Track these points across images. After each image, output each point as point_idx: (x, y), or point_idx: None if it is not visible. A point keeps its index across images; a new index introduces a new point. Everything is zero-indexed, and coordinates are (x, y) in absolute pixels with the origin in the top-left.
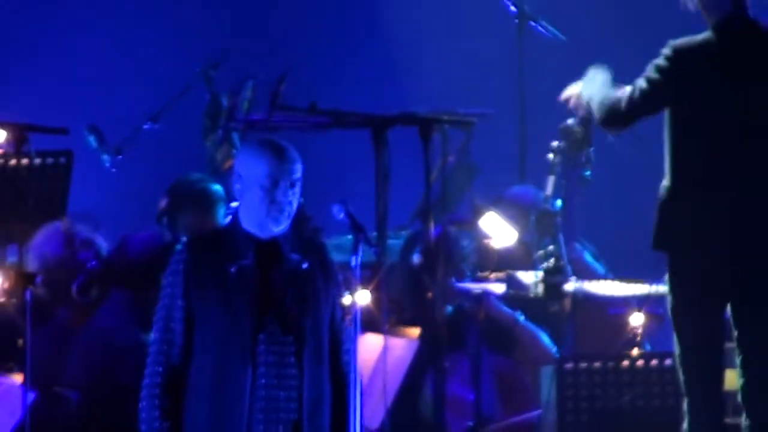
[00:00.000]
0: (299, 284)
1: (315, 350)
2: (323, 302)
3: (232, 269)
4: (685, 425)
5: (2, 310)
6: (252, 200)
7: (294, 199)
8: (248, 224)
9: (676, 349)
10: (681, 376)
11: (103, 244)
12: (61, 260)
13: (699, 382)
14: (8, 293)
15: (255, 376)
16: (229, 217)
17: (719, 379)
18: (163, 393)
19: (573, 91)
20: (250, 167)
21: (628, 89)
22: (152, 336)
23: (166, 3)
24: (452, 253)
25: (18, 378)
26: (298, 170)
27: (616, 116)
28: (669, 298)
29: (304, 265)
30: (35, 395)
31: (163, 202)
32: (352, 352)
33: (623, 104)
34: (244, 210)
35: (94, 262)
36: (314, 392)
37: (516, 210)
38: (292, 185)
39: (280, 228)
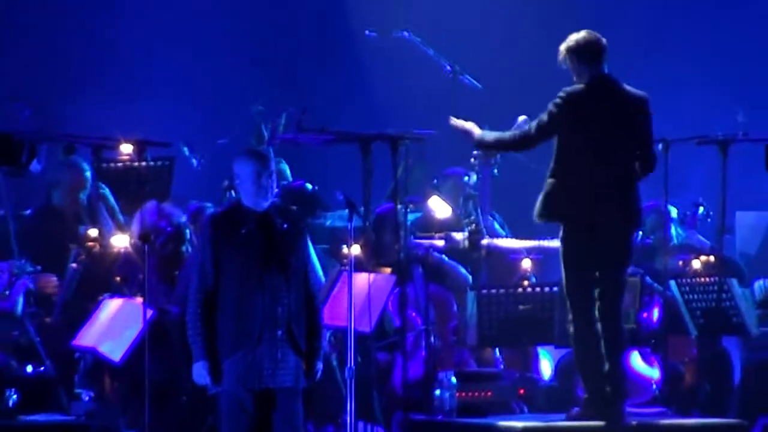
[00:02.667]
0: (282, 237)
1: (296, 279)
2: (298, 247)
3: (243, 230)
4: (571, 329)
5: (131, 256)
6: (247, 188)
7: (271, 183)
8: (247, 202)
9: (565, 283)
10: (569, 300)
11: (182, 216)
12: (152, 226)
13: (581, 303)
14: (135, 246)
15: (263, 297)
16: (233, 200)
17: (592, 302)
18: (202, 309)
19: (463, 124)
20: (244, 167)
21: (532, 124)
22: (193, 274)
23: (235, 62)
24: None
25: (139, 300)
26: (272, 166)
27: (525, 142)
28: (561, 251)
29: (284, 226)
30: (153, 312)
31: (225, 183)
32: (317, 283)
33: (532, 132)
34: (243, 194)
35: (170, 228)
36: (296, 307)
37: (452, 180)
38: (270, 176)
39: (266, 203)
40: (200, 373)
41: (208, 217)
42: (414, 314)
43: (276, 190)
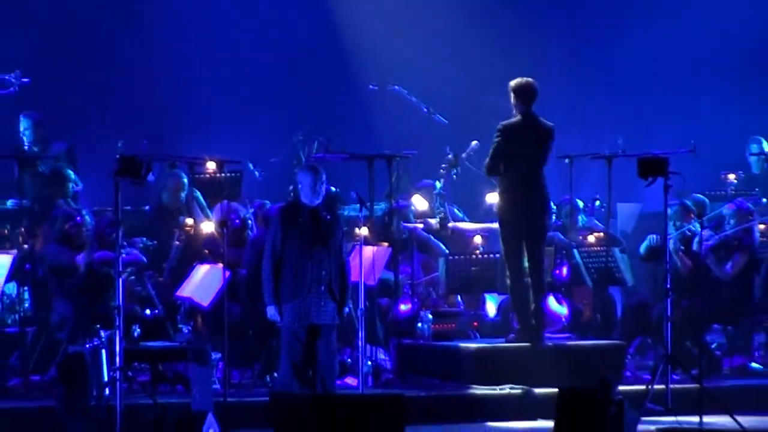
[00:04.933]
0: (327, 225)
1: (334, 252)
2: (336, 233)
3: (300, 219)
4: (508, 281)
5: (214, 237)
6: (305, 191)
7: (322, 189)
8: (305, 200)
9: (504, 251)
10: (506, 262)
11: (247, 212)
12: (223, 218)
13: (515, 264)
14: (218, 230)
15: (312, 264)
16: (294, 198)
17: (523, 263)
18: (272, 269)
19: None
20: (306, 177)
21: (489, 157)
22: (267, 247)
23: (281, 105)
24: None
25: (220, 265)
26: (323, 178)
27: (492, 169)
28: (501, 231)
29: (328, 217)
30: (229, 273)
31: (291, 188)
32: (346, 255)
33: (490, 164)
34: (302, 195)
35: (237, 221)
36: (334, 271)
37: (425, 190)
38: (321, 184)
39: (317, 202)
40: (272, 312)
41: (278, 209)
42: (406, 274)
43: (323, 195)
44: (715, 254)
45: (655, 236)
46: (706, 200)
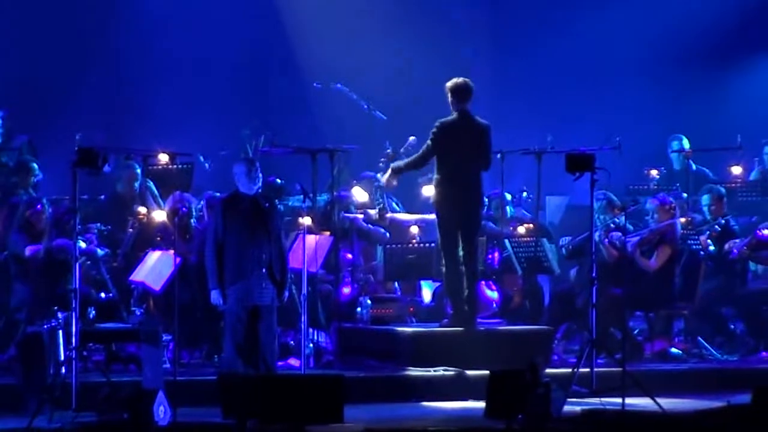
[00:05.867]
0: (265, 212)
1: (273, 238)
2: (274, 219)
3: (241, 207)
4: (443, 269)
5: (165, 225)
6: (242, 180)
7: (258, 178)
8: (243, 189)
9: (440, 240)
10: (442, 251)
11: (197, 202)
12: (173, 208)
13: (450, 253)
14: (170, 218)
15: (253, 248)
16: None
17: (457, 252)
18: (215, 255)
19: (388, 173)
20: (240, 168)
21: (421, 150)
22: (209, 233)
23: (230, 100)
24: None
25: (171, 252)
26: (257, 167)
27: (417, 164)
28: (436, 219)
29: (266, 205)
30: (180, 259)
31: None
32: (287, 242)
33: (418, 159)
34: (241, 185)
35: (184, 209)
36: (273, 254)
37: (367, 180)
38: (256, 171)
39: (255, 188)
40: (215, 296)
41: (220, 198)
42: (346, 261)
43: (259, 183)
44: (639, 249)
45: (568, 238)
46: (614, 196)
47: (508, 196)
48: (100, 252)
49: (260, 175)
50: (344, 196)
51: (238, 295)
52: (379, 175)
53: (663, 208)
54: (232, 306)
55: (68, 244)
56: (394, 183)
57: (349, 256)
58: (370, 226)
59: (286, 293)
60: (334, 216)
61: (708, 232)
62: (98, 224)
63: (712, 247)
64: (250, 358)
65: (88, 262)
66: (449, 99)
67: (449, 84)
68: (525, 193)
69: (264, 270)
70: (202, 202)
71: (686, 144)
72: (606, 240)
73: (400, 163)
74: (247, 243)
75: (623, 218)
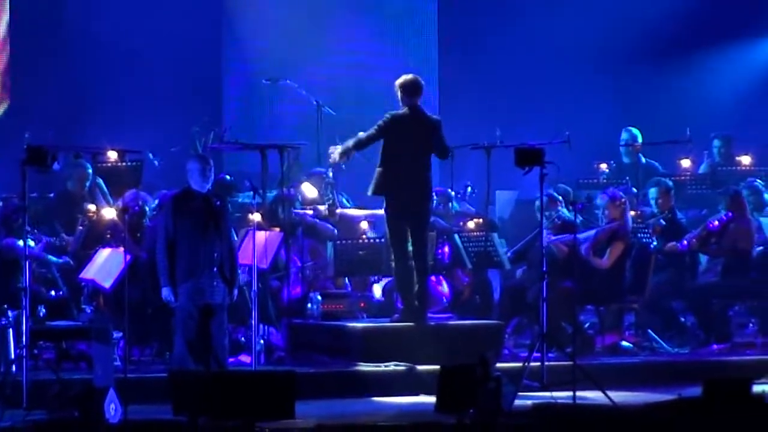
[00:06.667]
0: (217, 210)
1: (224, 236)
2: (225, 217)
3: (192, 205)
4: (393, 265)
5: (116, 222)
6: (195, 178)
7: (211, 175)
8: (195, 187)
9: (389, 236)
10: (392, 247)
11: (149, 199)
12: (125, 205)
13: (399, 248)
14: (120, 216)
15: (205, 247)
16: (186, 186)
17: (407, 247)
18: (166, 253)
19: (337, 151)
20: (193, 165)
21: (368, 132)
22: (159, 231)
23: (179, 98)
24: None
25: (121, 249)
26: (211, 165)
27: (361, 144)
28: (386, 215)
29: (218, 203)
30: (130, 256)
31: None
32: (233, 236)
33: (364, 138)
34: (193, 182)
35: (137, 208)
36: (224, 252)
37: (317, 175)
38: (210, 170)
39: (207, 187)
40: (166, 294)
41: (170, 195)
42: (296, 257)
43: (211, 181)
44: (592, 250)
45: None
46: (569, 188)
47: (452, 193)
48: (53, 258)
49: (213, 173)
50: (292, 193)
51: (189, 293)
52: (330, 172)
53: (614, 203)
54: (183, 303)
55: (17, 243)
56: (344, 160)
57: (297, 260)
58: (317, 221)
59: (236, 291)
60: (284, 213)
61: (653, 226)
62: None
63: (655, 243)
64: (200, 356)
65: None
66: (399, 95)
67: (398, 81)
68: (469, 188)
69: (215, 269)
70: (156, 201)
71: (639, 136)
72: (554, 238)
73: (348, 143)
74: (199, 241)
75: (566, 211)
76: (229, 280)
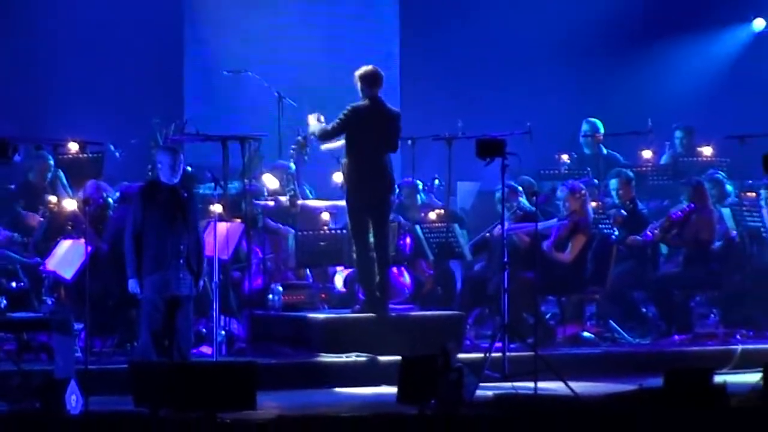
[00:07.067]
0: (184, 202)
1: (191, 228)
2: (192, 209)
3: (160, 197)
4: (355, 256)
5: (77, 213)
6: (165, 170)
7: (180, 168)
8: (164, 179)
9: (351, 227)
10: (353, 238)
11: (109, 190)
12: (88, 197)
13: (360, 239)
14: (81, 207)
15: (172, 239)
16: (155, 177)
17: (368, 238)
18: (133, 245)
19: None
20: (164, 157)
21: (331, 124)
22: (128, 223)
23: (140, 90)
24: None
25: (82, 241)
26: (181, 158)
27: (325, 135)
28: (347, 206)
29: (185, 195)
30: (91, 248)
31: (149, 168)
32: (202, 231)
33: (329, 129)
34: (162, 174)
35: (101, 200)
36: (191, 244)
37: (279, 170)
38: (180, 163)
39: (175, 181)
40: (133, 285)
41: (139, 188)
42: (257, 248)
43: (180, 174)
44: (554, 246)
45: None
46: (532, 180)
47: (420, 185)
48: (18, 257)
49: (182, 166)
50: (254, 185)
51: (155, 285)
52: (293, 165)
53: (573, 195)
54: (149, 295)
55: None
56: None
57: (259, 252)
58: (280, 225)
59: (202, 282)
60: (244, 204)
61: (614, 217)
62: (9, 232)
63: (616, 233)
64: (164, 347)
65: None
66: (359, 86)
67: (358, 72)
68: (437, 181)
69: (182, 261)
70: (117, 193)
71: (600, 127)
72: (514, 225)
73: (315, 131)
74: (166, 233)
75: (527, 202)
76: (196, 272)
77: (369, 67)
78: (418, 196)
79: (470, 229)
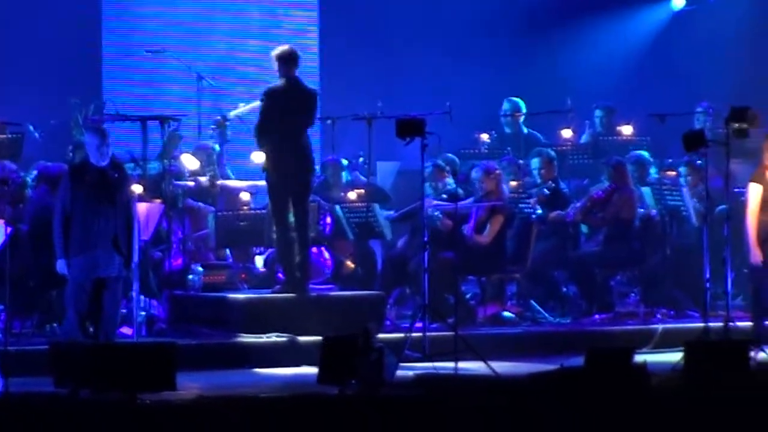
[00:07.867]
0: (114, 183)
1: (121, 209)
2: (124, 190)
3: (88, 178)
4: (275, 236)
5: None
6: (92, 151)
7: (108, 149)
8: (93, 160)
9: (271, 207)
10: (273, 218)
11: (14, 168)
12: (7, 176)
13: (281, 219)
14: None
15: (100, 220)
16: (84, 158)
17: (288, 218)
18: (62, 225)
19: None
20: (91, 138)
21: (257, 121)
22: (56, 204)
23: (60, 71)
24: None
25: (1, 221)
26: (108, 140)
27: (258, 133)
28: (267, 186)
29: (116, 176)
30: (11, 228)
31: (70, 149)
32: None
33: (258, 125)
34: (91, 155)
35: (19, 179)
36: (121, 225)
37: (202, 150)
38: (107, 145)
39: (104, 162)
40: (61, 266)
41: (68, 168)
42: (177, 228)
43: (109, 157)
44: (475, 230)
45: (393, 213)
46: (456, 158)
47: (344, 162)
48: None
49: (110, 148)
50: (175, 167)
51: (83, 266)
52: (216, 147)
53: (488, 176)
54: (76, 276)
55: None
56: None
57: (179, 232)
58: (200, 204)
59: (133, 264)
60: (164, 184)
61: (536, 196)
62: None
63: (539, 211)
64: (89, 329)
65: None
66: (276, 66)
67: (275, 52)
68: (361, 159)
69: (110, 242)
70: (34, 172)
71: (522, 106)
72: (435, 203)
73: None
74: (94, 214)
75: (452, 181)
76: (126, 254)
77: (285, 47)
78: (343, 174)
79: (392, 209)
